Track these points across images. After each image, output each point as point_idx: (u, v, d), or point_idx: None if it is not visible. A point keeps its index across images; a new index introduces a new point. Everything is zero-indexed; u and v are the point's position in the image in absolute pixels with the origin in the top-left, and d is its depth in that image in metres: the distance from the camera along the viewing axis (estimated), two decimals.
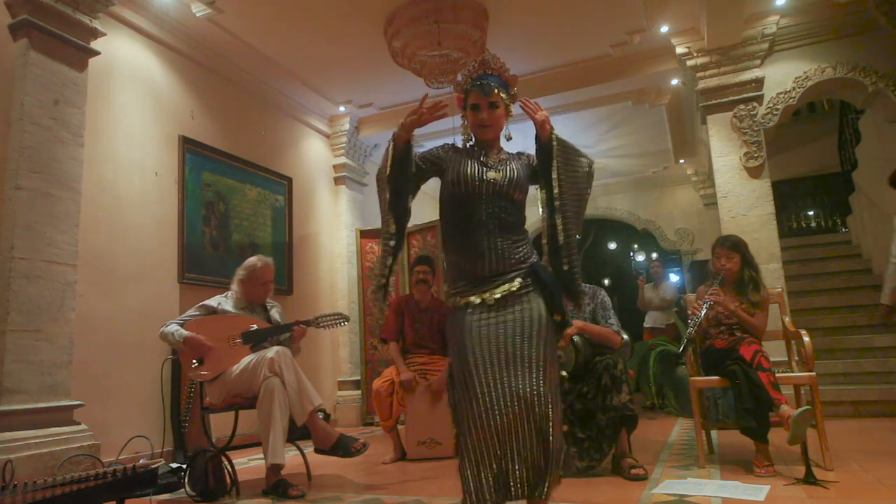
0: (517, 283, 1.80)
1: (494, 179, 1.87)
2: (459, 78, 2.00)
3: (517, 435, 1.69)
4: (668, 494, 2.52)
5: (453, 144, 2.02)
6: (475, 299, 1.81)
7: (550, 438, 1.70)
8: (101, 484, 1.79)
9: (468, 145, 1.98)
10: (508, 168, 1.90)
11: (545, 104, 5.85)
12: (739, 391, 2.92)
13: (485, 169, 1.89)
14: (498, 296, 1.79)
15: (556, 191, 1.84)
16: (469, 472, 1.70)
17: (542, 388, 1.71)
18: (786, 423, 2.71)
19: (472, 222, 1.85)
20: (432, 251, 5.72)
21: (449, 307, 1.92)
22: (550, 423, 1.70)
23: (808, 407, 2.77)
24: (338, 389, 6.26)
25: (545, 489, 1.71)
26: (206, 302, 3.29)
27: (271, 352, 3.00)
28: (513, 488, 1.69)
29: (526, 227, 1.96)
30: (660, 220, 9.71)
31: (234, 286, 3.36)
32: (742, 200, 4.81)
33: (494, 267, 1.81)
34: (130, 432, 3.70)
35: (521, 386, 1.71)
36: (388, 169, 1.88)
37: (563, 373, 3.16)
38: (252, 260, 3.38)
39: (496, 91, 1.90)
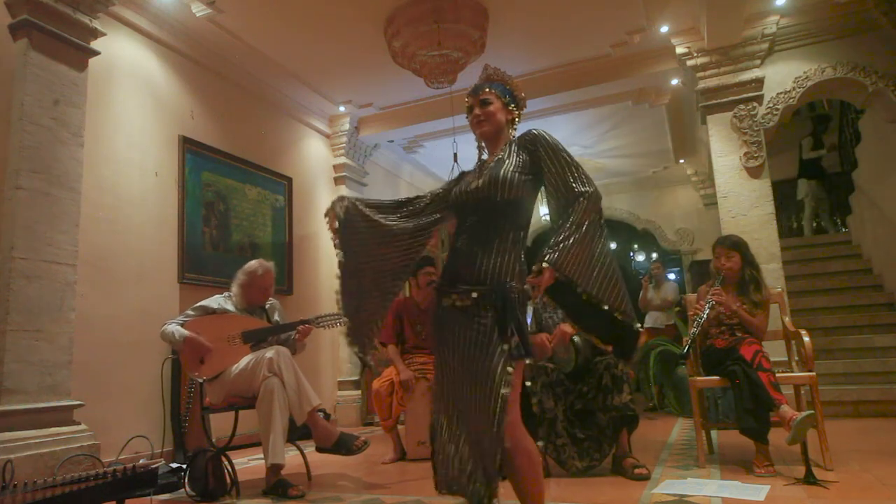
0: (473, 297, 1.75)
1: (477, 186, 1.85)
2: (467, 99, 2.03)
3: (451, 437, 1.74)
4: (668, 494, 2.52)
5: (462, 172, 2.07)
6: (445, 301, 1.84)
7: (487, 446, 1.65)
8: (101, 484, 1.79)
9: (481, 157, 2.01)
10: (497, 169, 1.84)
11: (545, 104, 5.98)
12: (740, 391, 2.92)
13: (472, 179, 1.91)
14: (458, 304, 1.79)
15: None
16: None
17: (480, 402, 1.69)
18: (786, 423, 2.71)
19: (461, 231, 1.90)
20: (432, 251, 5.72)
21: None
22: (484, 435, 1.66)
23: (812, 412, 2.77)
24: (338, 389, 6.26)
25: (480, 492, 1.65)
26: (204, 303, 3.29)
27: (270, 352, 3.00)
28: (445, 483, 1.76)
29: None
30: (660, 220, 9.69)
31: (235, 289, 3.36)
32: (742, 200, 4.81)
33: (469, 275, 1.80)
34: (130, 432, 3.70)
35: (460, 394, 1.75)
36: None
37: (548, 373, 3.17)
38: (253, 265, 3.36)
39: (486, 89, 1.94)
